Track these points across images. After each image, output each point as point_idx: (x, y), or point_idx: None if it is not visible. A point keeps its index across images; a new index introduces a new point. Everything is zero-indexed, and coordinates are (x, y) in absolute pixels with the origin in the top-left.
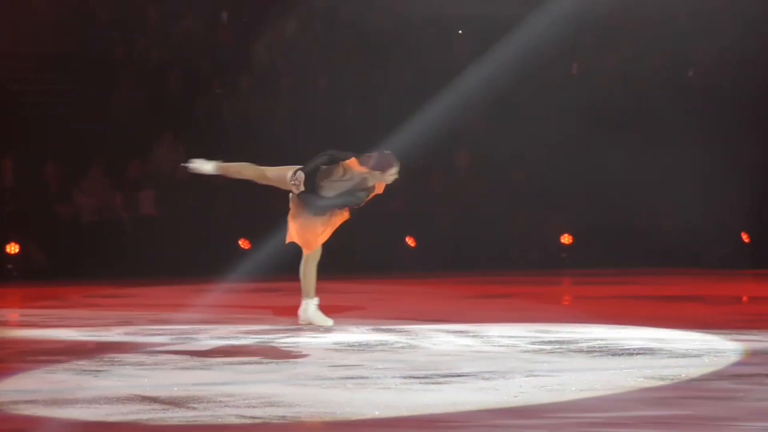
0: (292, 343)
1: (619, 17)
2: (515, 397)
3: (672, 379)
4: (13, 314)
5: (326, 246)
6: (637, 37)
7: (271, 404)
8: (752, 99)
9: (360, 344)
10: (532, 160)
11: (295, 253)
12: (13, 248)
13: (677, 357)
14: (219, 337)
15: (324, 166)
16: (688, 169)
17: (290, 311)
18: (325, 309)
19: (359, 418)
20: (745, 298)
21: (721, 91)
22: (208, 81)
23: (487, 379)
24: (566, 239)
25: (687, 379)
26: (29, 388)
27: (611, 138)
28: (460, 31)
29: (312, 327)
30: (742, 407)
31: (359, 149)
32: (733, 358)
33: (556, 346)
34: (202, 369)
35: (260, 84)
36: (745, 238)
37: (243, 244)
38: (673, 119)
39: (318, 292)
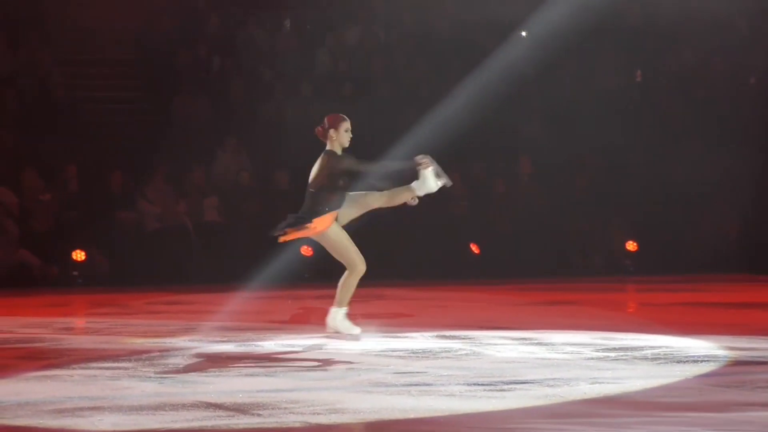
0: (356, 349)
1: (682, 23)
2: (580, 404)
3: (738, 387)
4: (79, 321)
5: (390, 253)
6: (700, 44)
7: (335, 411)
8: None
9: (424, 351)
10: (595, 165)
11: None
12: (79, 255)
13: (742, 364)
14: (283, 344)
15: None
16: (751, 175)
17: (353, 318)
18: (388, 316)
19: (423, 424)
20: None
21: None
22: (270, 87)
23: (552, 386)
24: (631, 246)
25: (752, 386)
26: (94, 395)
27: (675, 144)
28: (523, 33)
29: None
30: None
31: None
32: None
33: (621, 354)
34: (266, 375)
35: (322, 90)
36: None
37: (305, 251)
38: (736, 125)
39: (382, 298)
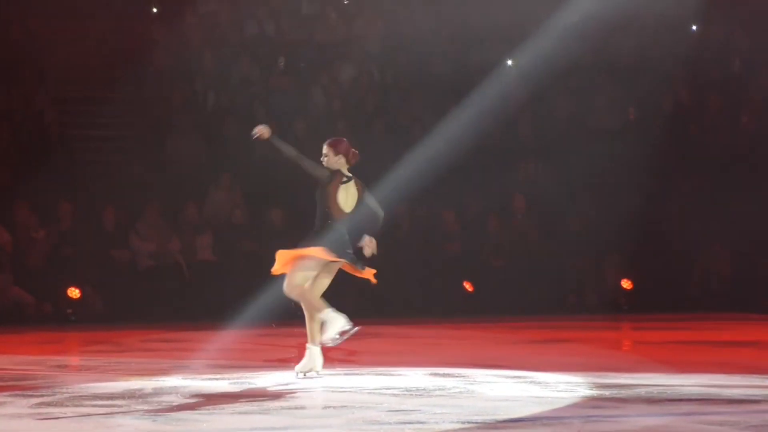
0: (350, 387)
1: (676, 61)
2: None
3: (731, 426)
4: (72, 359)
5: (384, 291)
6: (694, 81)
7: None
8: None
9: (418, 389)
10: (589, 203)
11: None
12: (73, 293)
13: (736, 403)
14: (277, 382)
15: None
16: (744, 215)
17: (346, 356)
18: (384, 353)
19: None
20: None
21: None
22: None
23: (546, 425)
24: (625, 284)
25: (745, 425)
26: None
27: (668, 182)
28: (509, 62)
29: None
30: None
31: (413, 193)
32: None
33: (615, 392)
34: (260, 413)
35: (316, 128)
36: None
37: None
38: (730, 164)
39: (376, 336)
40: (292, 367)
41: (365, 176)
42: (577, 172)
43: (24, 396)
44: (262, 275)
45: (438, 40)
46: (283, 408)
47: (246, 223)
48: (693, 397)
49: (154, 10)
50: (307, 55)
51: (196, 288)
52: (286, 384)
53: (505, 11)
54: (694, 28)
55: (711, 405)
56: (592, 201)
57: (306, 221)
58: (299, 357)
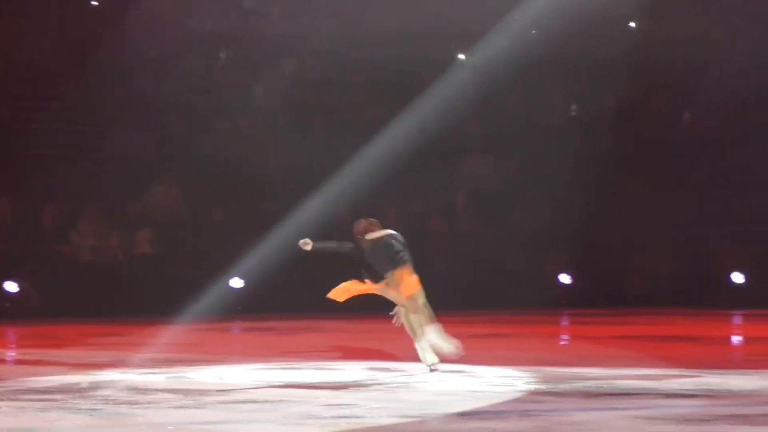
0: (287, 381)
1: (621, 59)
2: None
3: (667, 419)
4: (9, 353)
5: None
6: (638, 80)
7: None
8: (746, 147)
9: (356, 383)
10: (531, 200)
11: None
12: (11, 287)
13: (672, 397)
14: (214, 376)
15: None
16: (684, 213)
17: (284, 350)
18: (322, 347)
19: None
20: (737, 339)
21: (715, 137)
22: (206, 120)
23: (484, 419)
24: (565, 279)
25: (681, 419)
26: (23, 427)
27: (612, 179)
28: (461, 56)
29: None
30: None
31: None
32: (727, 398)
33: (553, 386)
34: (196, 408)
35: (258, 123)
36: (737, 279)
37: (235, 283)
38: (672, 163)
39: (314, 330)
40: (230, 362)
41: (307, 173)
42: (520, 169)
43: None
44: (201, 270)
45: (382, 35)
46: (219, 402)
47: (187, 218)
48: (630, 391)
49: (94, 2)
50: (249, 50)
51: (135, 283)
52: (223, 378)
53: (450, 8)
54: (632, 25)
55: (647, 399)
56: (535, 197)
57: (246, 218)
58: (240, 352)
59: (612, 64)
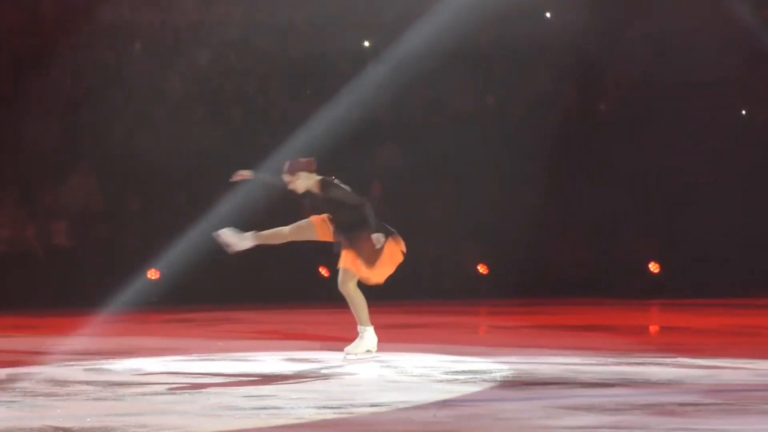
0: (206, 372)
1: (534, 48)
2: (429, 427)
3: (586, 409)
4: None
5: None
6: (551, 69)
7: None
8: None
9: (274, 374)
10: (447, 189)
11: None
12: None
13: (590, 386)
14: (131, 368)
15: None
16: (600, 201)
17: (202, 341)
18: (239, 338)
19: None
20: (654, 328)
21: (629, 123)
22: (120, 111)
23: (402, 409)
24: (482, 269)
25: (600, 408)
26: None
27: (526, 169)
28: (366, 43)
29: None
30: None
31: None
32: (644, 387)
33: (470, 376)
34: (115, 400)
35: (174, 113)
36: (654, 268)
37: (152, 274)
38: (585, 152)
39: (232, 321)
40: (148, 353)
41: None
42: (435, 158)
43: None
44: (118, 261)
45: (295, 24)
46: (137, 394)
47: (102, 209)
48: (548, 381)
49: None
50: (163, 40)
51: (51, 274)
52: (141, 370)
53: None
54: (547, 15)
55: (566, 388)
56: (450, 187)
57: (163, 208)
58: (157, 344)
59: (526, 53)
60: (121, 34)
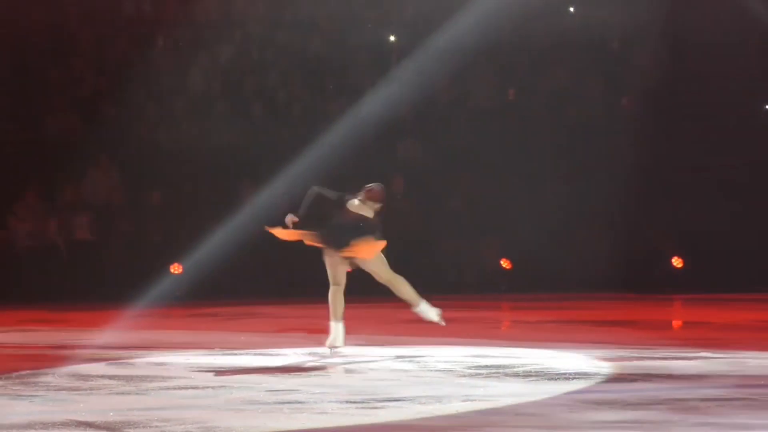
0: (229, 366)
1: (556, 43)
2: (452, 421)
3: (608, 404)
4: None
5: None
6: (573, 64)
7: (207, 429)
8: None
9: (297, 368)
10: (469, 184)
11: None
12: None
13: (612, 381)
14: (155, 362)
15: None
16: (622, 196)
17: (225, 335)
18: (263, 333)
19: None
20: (677, 323)
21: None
22: (142, 106)
23: (424, 403)
24: (504, 264)
25: (623, 402)
26: None
27: (548, 163)
28: (392, 38)
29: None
30: None
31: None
32: (667, 382)
33: (493, 371)
34: (137, 394)
35: (195, 109)
36: (677, 263)
37: (175, 268)
38: (609, 147)
39: (255, 316)
40: (171, 348)
41: (246, 157)
42: (457, 153)
43: None
44: (138, 255)
45: (317, 19)
46: (160, 389)
47: (124, 203)
48: (570, 375)
49: None
50: (185, 35)
51: (73, 268)
52: (164, 365)
53: None
54: (571, 10)
55: (587, 382)
56: (472, 181)
57: (183, 203)
58: (181, 338)
59: (547, 48)
60: (144, 29)
